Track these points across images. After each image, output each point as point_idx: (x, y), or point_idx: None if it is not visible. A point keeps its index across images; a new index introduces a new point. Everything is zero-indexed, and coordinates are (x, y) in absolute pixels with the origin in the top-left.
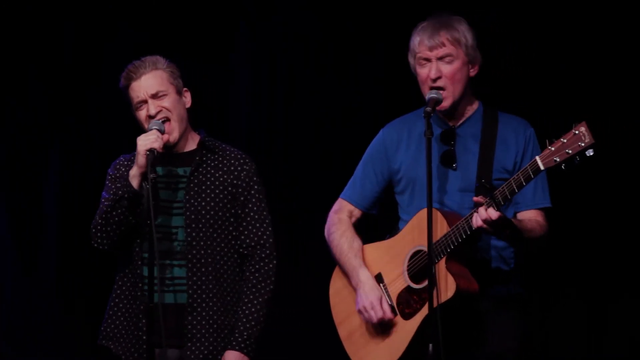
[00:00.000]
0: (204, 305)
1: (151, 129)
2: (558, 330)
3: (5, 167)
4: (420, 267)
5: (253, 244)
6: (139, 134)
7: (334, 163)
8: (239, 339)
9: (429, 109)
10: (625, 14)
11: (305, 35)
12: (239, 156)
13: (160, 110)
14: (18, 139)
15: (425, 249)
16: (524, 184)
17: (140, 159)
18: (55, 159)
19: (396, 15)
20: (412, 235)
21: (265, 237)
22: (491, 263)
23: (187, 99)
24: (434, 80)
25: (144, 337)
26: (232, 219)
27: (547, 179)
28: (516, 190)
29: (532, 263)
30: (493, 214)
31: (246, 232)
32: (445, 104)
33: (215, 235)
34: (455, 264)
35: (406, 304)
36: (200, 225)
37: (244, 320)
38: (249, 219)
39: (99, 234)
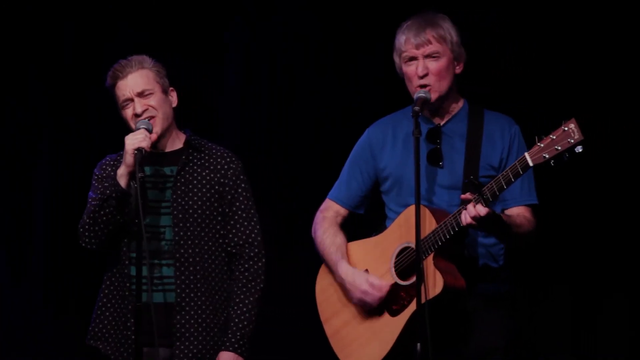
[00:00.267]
0: (192, 304)
1: (139, 128)
2: (545, 327)
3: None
4: (408, 263)
5: (241, 242)
6: (127, 134)
7: (334, 163)
8: (232, 340)
9: (417, 108)
10: (625, 14)
11: (305, 35)
12: (225, 154)
13: (147, 109)
14: (18, 138)
15: (412, 245)
16: (513, 180)
17: (128, 158)
18: (55, 158)
19: (396, 15)
20: (400, 232)
21: (253, 235)
22: (479, 260)
23: (174, 98)
24: (421, 77)
25: (132, 337)
26: (219, 218)
27: (533, 177)
28: (505, 187)
29: (519, 260)
30: (482, 210)
31: (234, 231)
32: (432, 97)
33: (202, 234)
34: (443, 261)
35: (393, 300)
36: (188, 225)
37: (236, 320)
38: (236, 217)
39: (86, 234)
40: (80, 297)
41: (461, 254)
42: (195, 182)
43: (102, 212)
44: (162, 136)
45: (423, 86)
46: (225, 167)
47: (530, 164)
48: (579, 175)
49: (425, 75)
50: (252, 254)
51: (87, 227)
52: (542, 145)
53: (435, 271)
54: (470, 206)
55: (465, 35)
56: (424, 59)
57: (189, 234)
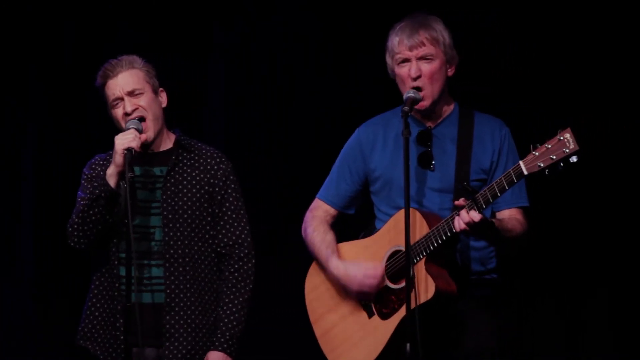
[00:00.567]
0: (181, 304)
1: (129, 128)
2: (534, 328)
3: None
4: (399, 267)
5: (231, 243)
6: (116, 133)
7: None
8: (222, 340)
9: (406, 108)
10: (625, 14)
11: (305, 35)
12: (215, 155)
13: (137, 109)
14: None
15: (403, 249)
16: (507, 188)
17: (118, 158)
18: (55, 159)
19: (396, 15)
20: (390, 235)
21: (242, 236)
22: (469, 264)
23: (163, 98)
24: (414, 80)
25: (122, 337)
26: (209, 218)
27: (524, 180)
28: (498, 194)
29: (509, 263)
30: (475, 216)
31: (223, 231)
32: (425, 103)
33: (192, 234)
34: (434, 265)
35: (384, 303)
36: (178, 225)
37: (226, 320)
38: (226, 217)
39: (75, 233)
40: (69, 297)
41: (452, 259)
42: (185, 182)
43: (91, 212)
44: (151, 136)
45: (416, 88)
46: (215, 167)
47: (525, 172)
48: (566, 178)
49: (418, 77)
50: (241, 255)
51: (76, 226)
52: (537, 154)
53: (427, 276)
54: (463, 212)
55: (465, 36)
56: (417, 61)
57: (178, 234)
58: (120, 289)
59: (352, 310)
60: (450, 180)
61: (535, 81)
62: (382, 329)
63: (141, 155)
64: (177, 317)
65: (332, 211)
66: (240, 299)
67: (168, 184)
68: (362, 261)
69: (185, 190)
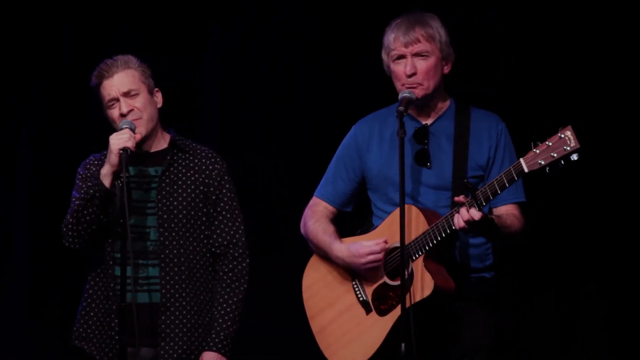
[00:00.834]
0: (177, 304)
1: (123, 128)
2: (530, 327)
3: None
4: (397, 264)
5: (225, 242)
6: (111, 133)
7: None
8: (216, 340)
9: (401, 108)
10: (625, 14)
11: (305, 35)
12: (209, 155)
13: (132, 110)
14: (17, 138)
15: None
16: (507, 185)
17: (113, 157)
18: (55, 159)
19: (396, 15)
20: (390, 231)
21: (237, 235)
22: (467, 260)
23: (159, 98)
24: (409, 76)
25: (117, 337)
26: (204, 218)
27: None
28: (499, 192)
29: (505, 260)
30: (475, 214)
31: (218, 231)
32: (418, 94)
33: (188, 234)
34: (433, 262)
35: (382, 300)
36: (173, 225)
37: (220, 320)
38: (220, 217)
39: (70, 233)
40: (65, 297)
41: (451, 256)
42: (180, 182)
43: (85, 212)
44: (147, 136)
45: (411, 85)
46: (210, 167)
47: (526, 170)
48: (565, 177)
49: (414, 74)
50: (236, 255)
51: (70, 226)
52: (537, 151)
53: (426, 273)
54: (463, 210)
55: (465, 36)
56: (413, 57)
57: (173, 234)
58: (115, 289)
59: (350, 306)
60: (447, 177)
61: (535, 81)
62: (379, 326)
63: (136, 155)
64: (172, 317)
65: (331, 208)
66: (235, 299)
67: (163, 184)
68: (360, 288)
69: (180, 191)
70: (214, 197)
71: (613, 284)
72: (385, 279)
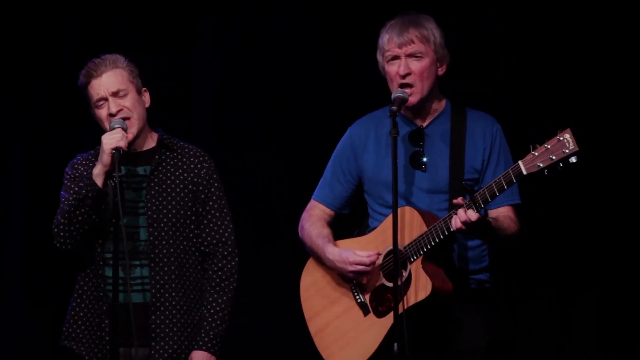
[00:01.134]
0: (167, 304)
1: (114, 128)
2: (525, 329)
3: None
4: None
5: (214, 241)
6: (102, 134)
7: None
8: (205, 339)
9: (394, 108)
10: (625, 14)
11: (305, 35)
12: (197, 154)
13: (121, 109)
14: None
15: (401, 248)
16: (505, 188)
17: (106, 157)
18: (55, 159)
19: (396, 15)
20: (387, 234)
21: (226, 234)
22: (464, 263)
23: (147, 98)
24: (403, 77)
25: (107, 338)
26: (193, 217)
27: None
28: (497, 194)
29: (502, 262)
30: (473, 215)
31: (207, 230)
32: (413, 99)
33: (177, 234)
34: (431, 264)
35: (380, 301)
36: (162, 225)
37: (209, 319)
38: (209, 216)
39: (61, 234)
40: (53, 298)
41: (449, 258)
42: (168, 182)
43: (77, 212)
44: (136, 136)
45: (405, 86)
46: (199, 166)
47: (524, 172)
48: (564, 178)
49: (407, 74)
50: (225, 253)
51: (62, 227)
52: (536, 154)
53: (424, 274)
54: (461, 211)
55: (465, 36)
56: (407, 58)
57: (163, 234)
58: (105, 289)
59: (348, 308)
60: (442, 180)
61: (535, 81)
62: (377, 327)
63: (124, 155)
64: (162, 317)
65: (328, 211)
66: (224, 298)
67: (152, 184)
68: (357, 290)
69: (169, 190)
70: (202, 196)
71: (609, 285)
72: (383, 280)
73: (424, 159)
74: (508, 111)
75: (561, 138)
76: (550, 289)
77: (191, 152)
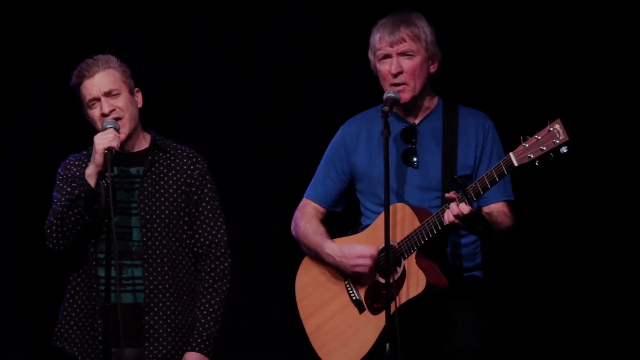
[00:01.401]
0: (160, 305)
1: (107, 128)
2: (517, 327)
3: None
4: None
5: (207, 242)
6: (87, 133)
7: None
8: (199, 340)
9: (386, 108)
10: (625, 14)
11: (305, 35)
12: (190, 155)
13: (114, 110)
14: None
15: (394, 244)
16: (497, 180)
17: (98, 157)
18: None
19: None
20: (380, 231)
21: (219, 235)
22: (457, 259)
23: (139, 98)
24: (395, 76)
25: (99, 338)
26: (186, 218)
27: (510, 174)
28: (489, 187)
29: (495, 258)
30: (465, 209)
31: (200, 231)
32: (406, 97)
33: (170, 234)
34: (425, 259)
35: (375, 298)
36: (155, 226)
37: (202, 320)
38: (202, 217)
39: (54, 235)
40: (45, 298)
41: (443, 253)
42: (161, 182)
43: (70, 213)
44: (128, 137)
45: (397, 84)
46: (192, 167)
47: (515, 164)
48: (562, 178)
49: (399, 73)
50: (218, 254)
51: (54, 227)
52: (527, 145)
53: (418, 270)
54: (453, 205)
55: (465, 36)
56: (398, 56)
57: (156, 234)
58: (98, 289)
59: (343, 306)
60: (435, 177)
61: (535, 81)
62: (372, 324)
63: (117, 156)
64: (156, 318)
65: (320, 209)
66: (217, 299)
67: (145, 185)
68: (352, 288)
69: (162, 191)
70: (195, 197)
71: (601, 282)
72: (378, 277)
73: (416, 157)
74: (508, 111)
75: (551, 129)
76: (543, 286)
77: (184, 153)
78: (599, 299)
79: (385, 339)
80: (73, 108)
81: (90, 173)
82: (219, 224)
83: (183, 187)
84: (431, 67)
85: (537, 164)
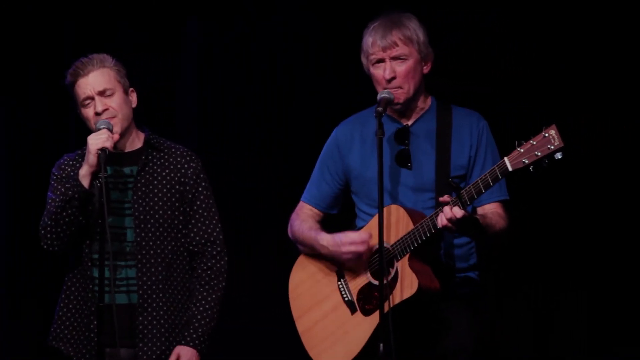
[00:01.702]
0: (154, 305)
1: (100, 128)
2: (511, 329)
3: None
4: None
5: (203, 241)
6: (88, 133)
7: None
8: (193, 335)
9: (380, 109)
10: (625, 14)
11: (305, 35)
12: (184, 153)
13: (107, 109)
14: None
15: (388, 246)
16: (491, 184)
17: (92, 158)
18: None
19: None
20: (374, 232)
21: (215, 233)
22: (452, 261)
23: (133, 98)
24: (389, 81)
25: (95, 338)
26: (180, 217)
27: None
28: (483, 191)
29: (490, 259)
30: (458, 212)
31: (195, 230)
32: (400, 100)
33: (165, 234)
34: (418, 262)
35: (367, 300)
36: (149, 226)
37: (198, 317)
38: (197, 216)
39: (48, 236)
40: (40, 298)
41: (436, 256)
42: (155, 182)
43: (64, 214)
44: (121, 136)
45: (391, 89)
46: (186, 166)
47: (510, 168)
48: (561, 178)
49: (393, 78)
50: (214, 253)
51: (49, 229)
52: (521, 150)
53: (411, 272)
54: (447, 208)
55: (465, 36)
56: (391, 61)
57: (150, 234)
58: (93, 289)
59: (335, 307)
60: (428, 178)
61: (535, 81)
62: (364, 326)
63: (111, 155)
64: (150, 318)
65: (316, 212)
66: (213, 296)
67: (139, 184)
68: (346, 272)
69: (156, 190)
70: (190, 196)
71: (597, 284)
72: (370, 278)
73: (410, 158)
74: (508, 111)
75: (546, 134)
76: (538, 287)
77: (178, 152)
78: (594, 300)
79: (379, 339)
80: (73, 108)
81: (84, 174)
82: (214, 222)
83: (177, 186)
84: (424, 67)
85: (531, 169)
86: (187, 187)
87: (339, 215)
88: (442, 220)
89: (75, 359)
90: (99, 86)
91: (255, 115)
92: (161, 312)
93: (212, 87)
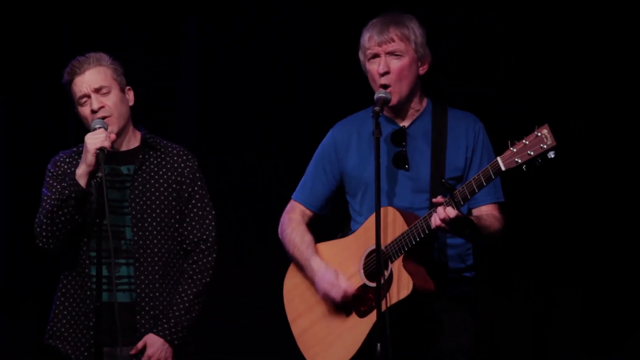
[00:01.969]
0: (151, 303)
1: (96, 128)
2: (509, 329)
3: None
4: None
5: (196, 239)
6: (87, 133)
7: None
8: (165, 326)
9: (377, 108)
10: (625, 14)
11: (305, 35)
12: (181, 152)
13: (103, 107)
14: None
15: (382, 247)
16: (485, 184)
17: (90, 157)
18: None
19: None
20: (368, 234)
21: (207, 232)
22: (447, 261)
23: (130, 96)
24: (382, 75)
25: (94, 336)
26: (177, 216)
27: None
28: (476, 191)
29: (486, 260)
30: (451, 212)
31: (189, 229)
32: (393, 99)
33: (162, 233)
34: (412, 263)
35: (362, 301)
36: (147, 224)
37: (174, 308)
38: (192, 214)
39: (44, 234)
40: (36, 296)
41: (431, 256)
42: (152, 181)
43: (60, 212)
44: (118, 135)
45: (385, 86)
46: (182, 165)
47: (503, 168)
48: (550, 176)
49: (386, 73)
50: (203, 248)
51: (44, 227)
52: (514, 149)
53: (405, 273)
54: (440, 209)
55: (465, 36)
56: (386, 56)
57: (147, 233)
58: (91, 288)
59: (330, 309)
60: (425, 181)
61: (535, 81)
62: (359, 327)
63: (108, 154)
64: (147, 317)
65: (308, 212)
66: (195, 290)
67: (136, 183)
68: (340, 271)
69: (153, 189)
70: (185, 195)
71: (595, 284)
72: (365, 280)
73: (407, 159)
74: (508, 111)
75: (539, 134)
76: (534, 287)
77: (174, 151)
78: (592, 300)
79: (376, 340)
80: (73, 108)
81: (81, 173)
82: (207, 221)
83: (174, 185)
84: (420, 68)
85: (524, 168)
86: (184, 187)
87: (331, 216)
88: (435, 220)
89: (74, 357)
90: (95, 84)
91: (255, 115)
92: (157, 311)
93: (212, 87)
